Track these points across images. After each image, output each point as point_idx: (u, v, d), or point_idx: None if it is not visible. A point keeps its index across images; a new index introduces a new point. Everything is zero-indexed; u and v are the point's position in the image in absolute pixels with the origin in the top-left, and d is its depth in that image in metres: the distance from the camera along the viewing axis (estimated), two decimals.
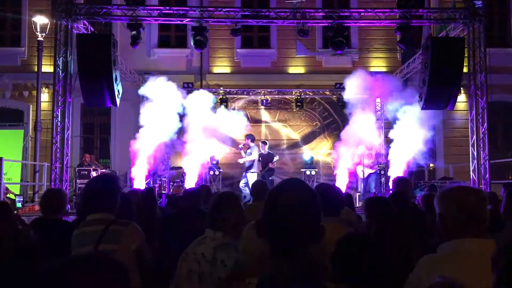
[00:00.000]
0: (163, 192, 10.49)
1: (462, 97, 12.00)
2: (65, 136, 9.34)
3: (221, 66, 14.26)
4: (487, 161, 9.42)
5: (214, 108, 11.88)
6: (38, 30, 12.05)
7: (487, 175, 9.38)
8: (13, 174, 11.77)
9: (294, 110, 13.84)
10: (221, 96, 13.15)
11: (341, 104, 13.18)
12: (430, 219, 3.31)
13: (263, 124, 13.96)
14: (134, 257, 2.57)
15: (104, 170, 11.95)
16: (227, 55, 14.27)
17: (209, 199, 4.22)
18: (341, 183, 10.70)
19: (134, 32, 9.56)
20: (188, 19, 9.98)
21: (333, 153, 12.27)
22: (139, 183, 10.21)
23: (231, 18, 9.85)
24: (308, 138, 14.05)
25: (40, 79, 11.86)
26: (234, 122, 11.67)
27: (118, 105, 9.48)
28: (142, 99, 11.03)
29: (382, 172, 11.54)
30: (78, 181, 10.72)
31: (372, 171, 11.46)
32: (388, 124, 12.37)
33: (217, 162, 12.21)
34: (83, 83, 8.74)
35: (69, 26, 9.29)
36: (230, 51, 14.23)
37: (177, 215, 4.44)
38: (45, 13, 12.15)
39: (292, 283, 1.15)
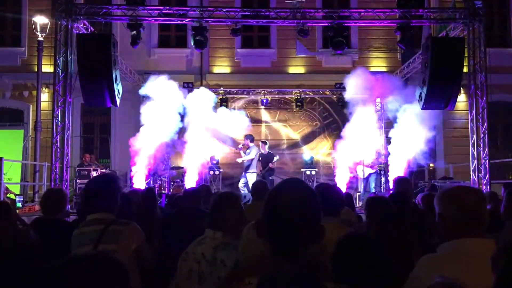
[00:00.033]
0: (163, 192, 10.48)
1: (462, 97, 12.00)
2: (65, 136, 9.34)
3: (221, 66, 14.27)
4: (487, 161, 9.42)
5: (215, 108, 11.88)
6: (38, 30, 12.05)
7: (487, 175, 9.38)
8: (13, 174, 11.78)
9: (294, 110, 13.84)
10: (221, 96, 13.15)
11: (341, 104, 13.20)
12: (430, 219, 3.31)
13: (263, 124, 13.96)
14: (134, 257, 2.57)
15: (104, 170, 11.95)
16: (227, 55, 14.27)
17: (209, 199, 4.23)
18: (341, 183, 10.70)
19: (134, 32, 9.56)
20: (188, 19, 9.98)
21: (333, 153, 12.27)
22: (139, 183, 10.21)
23: (231, 18, 9.85)
24: (308, 138, 14.05)
25: (40, 79, 11.86)
26: (235, 122, 11.66)
27: (118, 105, 9.48)
28: (142, 99, 11.03)
29: (382, 172, 11.54)
30: (78, 181, 10.72)
31: (372, 170, 11.46)
32: (388, 124, 12.37)
33: (217, 162, 12.21)
34: (83, 83, 8.74)
35: (69, 26, 9.29)
36: (230, 51, 14.23)
37: (177, 215, 4.44)
38: (45, 13, 12.15)
39: (292, 283, 1.15)
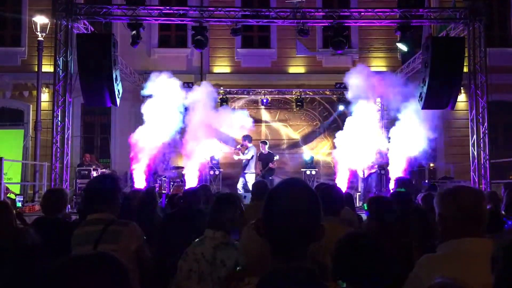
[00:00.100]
0: (163, 192, 10.47)
1: (462, 97, 12.00)
2: (66, 136, 9.34)
3: (221, 66, 14.27)
4: (488, 160, 9.42)
5: (215, 108, 11.86)
6: (38, 30, 12.05)
7: (488, 175, 9.38)
8: (13, 174, 11.79)
9: (294, 110, 13.84)
10: (221, 96, 13.15)
11: (341, 104, 13.21)
12: (431, 219, 3.30)
13: (263, 124, 13.96)
14: (134, 257, 2.57)
15: (104, 169, 11.95)
16: (227, 55, 14.27)
17: (209, 199, 4.23)
18: (341, 183, 10.69)
19: (134, 32, 9.55)
20: (189, 19, 9.98)
21: (333, 152, 12.26)
22: (139, 182, 10.20)
23: (231, 18, 9.85)
24: (308, 138, 14.06)
25: (40, 79, 11.86)
26: (237, 121, 11.63)
27: (118, 105, 9.47)
28: (143, 98, 11.01)
29: (383, 171, 11.52)
30: (78, 181, 10.72)
31: (372, 170, 11.44)
32: (389, 123, 12.37)
33: (217, 162, 12.20)
34: (83, 82, 8.74)
35: (69, 26, 9.29)
36: (230, 51, 14.23)
37: (177, 215, 4.44)
38: (45, 13, 12.13)
39: (292, 283, 1.15)
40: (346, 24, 10.04)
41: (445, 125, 13.12)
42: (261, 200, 1.41)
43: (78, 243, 2.58)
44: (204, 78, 13.93)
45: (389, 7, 10.16)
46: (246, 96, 13.85)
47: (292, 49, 14.13)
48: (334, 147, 11.70)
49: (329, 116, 14.04)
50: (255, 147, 11.60)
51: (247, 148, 11.51)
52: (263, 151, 11.64)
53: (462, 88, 10.25)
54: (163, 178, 11.43)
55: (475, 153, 9.56)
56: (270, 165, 11.40)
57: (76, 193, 10.30)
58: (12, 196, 10.45)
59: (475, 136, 9.59)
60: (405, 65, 12.29)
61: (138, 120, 10.74)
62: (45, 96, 12.98)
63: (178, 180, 11.56)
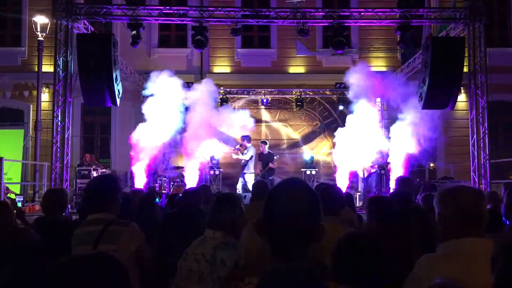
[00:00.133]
0: (163, 192, 10.48)
1: (462, 97, 12.00)
2: (66, 136, 9.34)
3: (222, 66, 14.27)
4: (488, 160, 9.42)
5: (216, 108, 11.85)
6: (39, 29, 12.06)
7: (488, 175, 9.38)
8: (13, 173, 11.79)
9: (295, 110, 13.84)
10: (221, 96, 13.14)
11: (341, 104, 13.21)
12: (431, 219, 3.30)
13: (263, 124, 13.96)
14: (133, 257, 2.57)
15: (104, 169, 11.95)
16: (227, 55, 14.27)
17: (209, 199, 4.23)
18: (342, 182, 10.69)
19: (134, 32, 9.56)
20: (189, 19, 9.98)
21: (333, 152, 12.25)
22: (139, 182, 10.20)
23: (231, 18, 9.85)
24: (308, 138, 14.06)
25: (41, 79, 11.86)
26: (237, 121, 11.62)
27: (118, 105, 9.47)
28: (143, 98, 11.01)
29: (383, 171, 11.52)
30: (78, 181, 10.72)
31: (372, 170, 11.44)
32: (389, 123, 12.36)
33: (217, 162, 12.20)
34: (83, 82, 8.74)
35: (69, 26, 9.29)
36: (230, 51, 14.23)
37: (177, 215, 4.44)
38: (46, 13, 12.14)
39: (292, 283, 1.15)
40: (346, 24, 10.04)
41: (445, 125, 13.12)
42: (261, 200, 1.41)
43: (78, 243, 2.59)
44: (204, 78, 13.92)
45: (389, 7, 10.16)
46: (246, 96, 13.85)
47: (292, 49, 14.13)
48: (334, 146, 11.70)
49: (329, 116, 14.04)
50: (254, 147, 11.60)
51: (246, 148, 11.50)
52: (263, 151, 11.64)
53: (462, 88, 10.25)
54: (163, 178, 11.43)
55: (475, 153, 9.56)
56: (270, 165, 11.39)
57: (76, 193, 10.30)
58: (12, 196, 10.46)
59: (475, 136, 9.59)
60: (405, 65, 12.29)
61: (138, 120, 10.75)
62: (45, 96, 12.98)
63: (178, 180, 11.56)
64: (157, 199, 5.09)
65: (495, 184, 9.56)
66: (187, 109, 10.62)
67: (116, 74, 9.04)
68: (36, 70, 12.13)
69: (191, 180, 10.60)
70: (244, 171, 11.42)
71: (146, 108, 10.31)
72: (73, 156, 11.18)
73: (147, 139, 10.09)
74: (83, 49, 8.75)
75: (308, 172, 12.04)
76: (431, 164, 12.80)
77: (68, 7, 9.19)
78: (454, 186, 1.92)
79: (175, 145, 10.97)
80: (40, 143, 11.78)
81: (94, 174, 10.83)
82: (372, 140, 10.83)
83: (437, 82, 8.77)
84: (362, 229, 3.56)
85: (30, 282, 2.13)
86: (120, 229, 2.56)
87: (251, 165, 11.43)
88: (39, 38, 11.97)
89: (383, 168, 11.44)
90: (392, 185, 10.43)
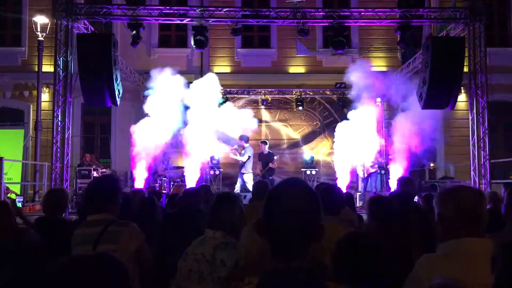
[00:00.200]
0: (163, 191, 10.48)
1: (462, 97, 12.00)
2: (66, 136, 9.34)
3: (222, 66, 14.26)
4: (488, 160, 9.42)
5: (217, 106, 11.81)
6: (39, 29, 12.06)
7: (488, 175, 9.38)
8: (13, 174, 11.79)
9: (295, 110, 13.85)
10: (221, 96, 13.12)
11: (342, 104, 13.22)
12: (431, 219, 3.30)
13: (263, 124, 13.96)
14: (133, 258, 2.57)
15: (104, 170, 11.96)
16: (227, 55, 14.27)
17: (209, 199, 4.23)
18: (342, 182, 10.69)
19: (134, 32, 9.56)
20: (189, 19, 9.97)
21: (333, 152, 12.25)
22: (140, 182, 10.20)
23: (231, 18, 9.85)
24: (308, 138, 14.06)
25: (41, 79, 11.87)
26: (239, 121, 11.59)
27: (118, 105, 9.47)
28: (143, 98, 11.01)
29: (383, 171, 11.53)
30: (78, 181, 10.73)
31: (372, 170, 11.45)
32: (389, 123, 12.37)
33: (217, 162, 12.20)
34: (84, 82, 8.74)
35: (70, 26, 9.29)
36: (231, 51, 14.24)
37: (177, 215, 4.44)
38: (46, 13, 12.14)
39: (292, 283, 1.15)
40: (346, 24, 10.03)
41: (445, 125, 13.13)
42: (261, 200, 1.41)
43: (78, 244, 2.59)
44: None
45: (389, 7, 10.15)
46: (246, 96, 13.85)
47: (292, 49, 14.14)
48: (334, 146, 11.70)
49: (329, 116, 14.04)
50: (251, 148, 11.57)
51: (243, 148, 11.49)
52: (263, 151, 11.63)
53: (462, 88, 10.25)
54: (163, 178, 11.43)
55: (475, 153, 9.56)
56: (270, 165, 11.39)
57: (76, 193, 10.30)
58: (13, 196, 10.46)
59: (475, 136, 9.59)
60: (405, 64, 12.29)
61: (139, 120, 10.73)
62: (45, 96, 12.98)
63: (178, 180, 11.56)
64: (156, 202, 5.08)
65: (495, 184, 9.56)
66: (187, 108, 10.61)
67: (116, 74, 9.04)
68: (36, 70, 12.13)
69: (191, 180, 10.59)
70: (242, 171, 11.40)
71: (147, 105, 10.30)
72: (73, 156, 11.18)
73: (148, 139, 10.07)
74: (83, 49, 8.75)
75: (308, 172, 12.05)
76: (431, 164, 12.80)
77: (68, 7, 9.18)
78: (454, 186, 1.92)
79: (176, 145, 10.97)
80: (40, 143, 11.78)
81: (94, 174, 10.84)
82: (372, 140, 10.84)
83: (437, 82, 8.76)
84: (362, 229, 3.56)
85: (30, 282, 2.13)
86: (120, 229, 2.57)
87: (249, 165, 11.41)
88: (39, 38, 11.98)
89: (383, 168, 11.45)
90: (392, 185, 10.45)
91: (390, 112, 11.71)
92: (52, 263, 1.02)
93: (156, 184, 11.25)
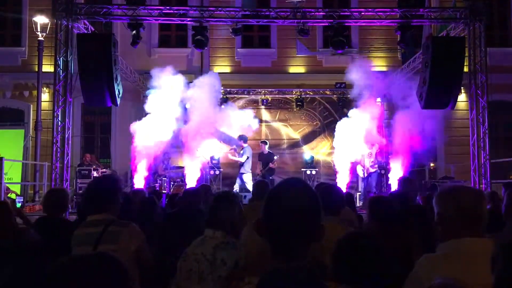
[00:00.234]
0: (163, 191, 10.48)
1: (462, 97, 12.00)
2: (66, 136, 9.34)
3: (222, 66, 14.26)
4: (488, 160, 9.42)
5: (218, 106, 11.82)
6: (39, 29, 12.06)
7: (488, 175, 9.38)
8: (13, 173, 11.79)
9: (295, 110, 13.85)
10: (221, 96, 13.14)
11: (342, 104, 13.22)
12: (431, 219, 3.30)
13: (263, 124, 13.96)
14: (133, 258, 2.57)
15: (104, 169, 11.96)
16: (227, 55, 14.27)
17: (209, 199, 4.23)
18: (342, 182, 10.69)
19: (134, 32, 9.56)
20: (189, 19, 9.97)
21: (333, 152, 12.25)
22: (140, 182, 10.21)
23: (231, 18, 9.85)
24: (308, 138, 14.06)
25: (41, 79, 11.87)
26: (239, 121, 11.58)
27: (118, 105, 9.47)
28: (143, 98, 11.02)
29: (383, 171, 11.52)
30: (78, 181, 10.73)
31: (372, 170, 11.45)
32: (389, 123, 12.37)
33: (217, 162, 12.21)
34: (84, 82, 8.74)
35: (70, 26, 9.29)
36: (231, 51, 14.24)
37: (177, 215, 4.44)
38: (46, 13, 12.14)
39: (292, 283, 1.15)
40: (346, 24, 10.03)
41: (445, 125, 13.12)
42: (261, 200, 1.41)
43: (78, 244, 2.59)
44: None
45: (389, 7, 10.14)
46: (246, 96, 13.85)
47: (292, 49, 14.14)
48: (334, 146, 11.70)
49: (329, 116, 14.04)
50: (250, 148, 11.55)
51: (242, 148, 11.48)
52: (263, 151, 11.63)
53: (462, 88, 10.25)
54: (164, 178, 11.43)
55: (475, 153, 9.56)
56: (270, 165, 11.39)
57: (76, 193, 10.30)
58: (13, 196, 10.46)
59: (475, 136, 9.58)
60: (406, 64, 12.29)
61: (139, 120, 10.73)
62: (45, 96, 12.98)
63: (179, 180, 11.56)
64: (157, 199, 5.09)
65: (495, 184, 9.55)
66: (188, 106, 10.62)
67: (117, 74, 9.04)
68: (36, 70, 12.14)
69: (191, 180, 10.60)
70: (241, 171, 11.39)
71: (148, 105, 10.30)
72: (73, 156, 11.18)
73: (148, 138, 10.07)
74: (83, 49, 8.75)
75: (308, 172, 12.05)
76: (431, 164, 12.81)
77: (68, 7, 9.18)
78: (454, 186, 1.92)
79: (176, 145, 10.97)
80: (40, 143, 11.79)
81: (95, 174, 10.85)
82: (372, 139, 10.85)
83: (438, 82, 8.76)
84: (362, 229, 3.56)
85: (30, 282, 2.13)
86: (120, 229, 2.57)
87: (247, 165, 11.38)
88: (39, 38, 11.98)
89: (383, 168, 11.44)
90: (392, 185, 10.45)
91: (390, 112, 11.69)
92: (52, 263, 1.02)
93: (156, 184, 11.25)
